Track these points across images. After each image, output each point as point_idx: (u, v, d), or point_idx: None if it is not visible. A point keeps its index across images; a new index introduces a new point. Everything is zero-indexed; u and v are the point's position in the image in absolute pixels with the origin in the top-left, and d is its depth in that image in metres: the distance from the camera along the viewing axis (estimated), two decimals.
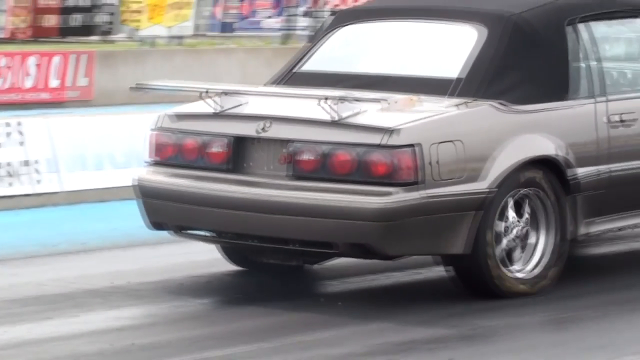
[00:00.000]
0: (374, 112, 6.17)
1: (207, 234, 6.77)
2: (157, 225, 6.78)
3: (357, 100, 6.11)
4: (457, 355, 5.50)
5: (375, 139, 6.05)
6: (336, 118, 6.07)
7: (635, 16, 7.32)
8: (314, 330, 6.05)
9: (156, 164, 6.78)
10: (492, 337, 5.92)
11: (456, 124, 6.31)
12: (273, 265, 6.92)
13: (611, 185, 6.70)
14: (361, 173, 6.08)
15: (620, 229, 7.13)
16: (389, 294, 7.02)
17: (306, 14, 26.70)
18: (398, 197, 5.97)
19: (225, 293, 7.22)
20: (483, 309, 6.30)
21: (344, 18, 7.55)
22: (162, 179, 6.65)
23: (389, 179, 6.02)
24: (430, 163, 6.03)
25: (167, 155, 6.69)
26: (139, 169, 7.11)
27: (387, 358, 5.53)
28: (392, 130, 6.02)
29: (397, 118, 6.10)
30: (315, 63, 7.11)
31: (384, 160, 6.02)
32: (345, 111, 6.07)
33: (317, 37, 7.52)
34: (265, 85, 7.15)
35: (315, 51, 7.20)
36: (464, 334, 5.90)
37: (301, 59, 7.18)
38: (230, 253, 7.11)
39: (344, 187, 6.09)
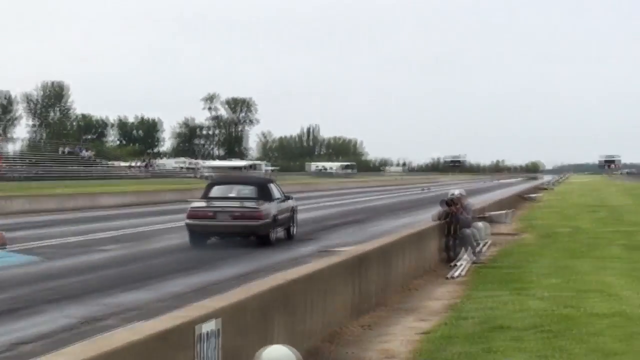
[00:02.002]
0: (249, 204, 26.46)
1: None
2: (193, 232, 26.11)
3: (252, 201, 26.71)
4: None
5: (255, 207, 26.20)
6: (246, 206, 26.36)
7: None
8: None
9: (189, 217, 26.22)
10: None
11: (268, 206, 26.64)
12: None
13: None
14: (253, 215, 25.98)
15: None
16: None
17: None
18: (262, 221, 26.01)
19: None
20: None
21: (215, 181, 30.64)
22: (192, 221, 26.12)
23: (259, 218, 26.05)
24: (266, 214, 26.17)
25: (192, 215, 26.22)
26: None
27: None
28: (260, 208, 26.15)
29: (257, 204, 26.33)
30: (214, 192, 27.54)
31: (257, 213, 26.00)
32: (248, 203, 26.49)
33: (207, 188, 28.41)
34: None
35: (211, 189, 27.87)
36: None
37: (208, 190, 27.75)
38: (194, 237, 26.07)
39: (249, 221, 26.01)
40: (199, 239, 25.94)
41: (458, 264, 20.10)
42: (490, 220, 29.40)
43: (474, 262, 20.60)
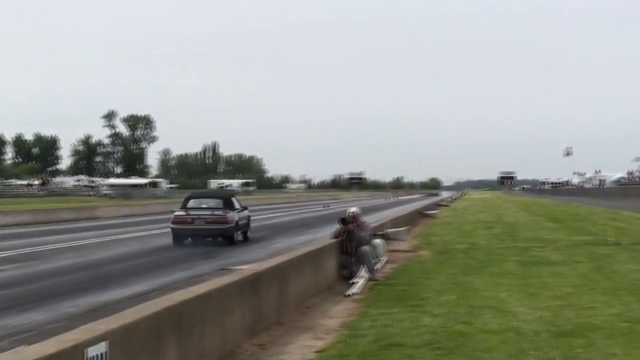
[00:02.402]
0: (218, 212, 35.15)
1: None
2: (176, 234, 34.61)
3: (220, 210, 35.53)
4: None
5: (223, 215, 34.94)
6: (215, 214, 35.05)
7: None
8: None
9: (173, 222, 34.88)
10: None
11: (232, 214, 35.53)
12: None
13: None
14: (222, 221, 34.73)
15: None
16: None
17: None
18: (228, 225, 34.95)
19: None
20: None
21: (190, 196, 38.50)
22: (175, 225, 34.80)
23: (226, 223, 35.00)
24: (231, 220, 35.18)
25: (175, 221, 34.90)
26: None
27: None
28: (226, 215, 35.04)
29: (224, 213, 35.12)
30: (191, 204, 36.24)
31: (224, 219, 34.89)
32: (217, 211, 35.23)
33: (185, 201, 37.00)
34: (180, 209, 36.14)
35: (188, 202, 36.61)
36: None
37: (186, 203, 36.31)
38: (176, 238, 34.49)
39: (218, 225, 34.94)
40: (179, 240, 34.63)
41: (355, 281, 20.21)
42: (388, 238, 29.64)
43: (371, 280, 20.74)
